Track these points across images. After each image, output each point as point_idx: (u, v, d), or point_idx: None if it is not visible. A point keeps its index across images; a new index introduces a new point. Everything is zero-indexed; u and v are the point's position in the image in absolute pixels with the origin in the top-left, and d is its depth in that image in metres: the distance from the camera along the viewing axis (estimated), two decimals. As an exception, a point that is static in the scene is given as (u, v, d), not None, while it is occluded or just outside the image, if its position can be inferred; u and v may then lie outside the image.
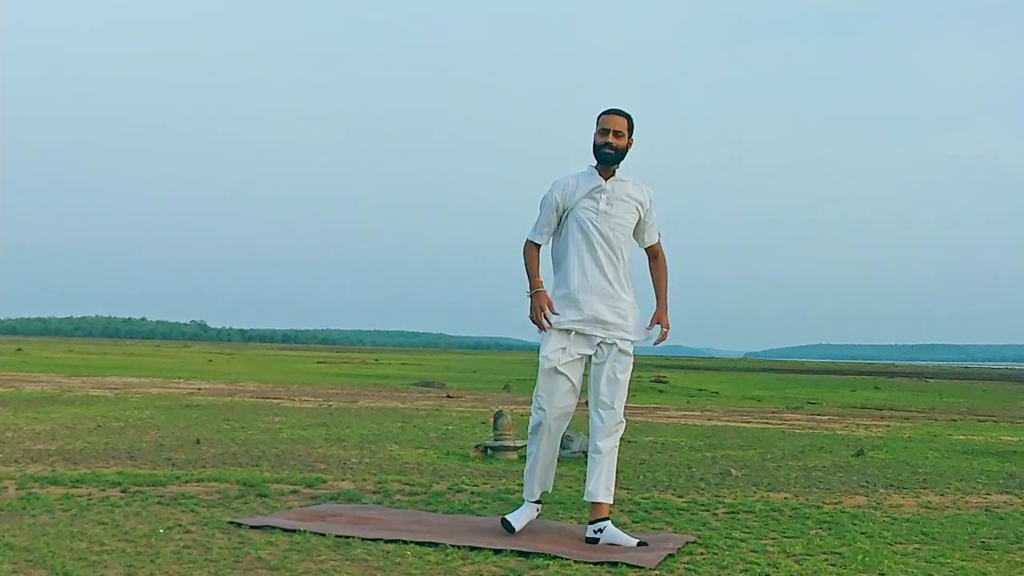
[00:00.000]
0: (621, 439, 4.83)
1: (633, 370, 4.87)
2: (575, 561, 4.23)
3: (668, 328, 4.92)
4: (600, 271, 4.80)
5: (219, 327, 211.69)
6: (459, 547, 4.40)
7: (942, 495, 6.72)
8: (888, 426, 14.24)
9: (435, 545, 4.43)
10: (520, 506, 4.93)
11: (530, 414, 4.88)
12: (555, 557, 4.28)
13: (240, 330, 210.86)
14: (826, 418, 15.96)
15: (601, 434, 4.71)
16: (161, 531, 4.58)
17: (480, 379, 28.39)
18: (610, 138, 4.79)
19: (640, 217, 4.89)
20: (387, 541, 4.49)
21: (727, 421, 14.17)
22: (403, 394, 18.96)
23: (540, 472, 4.86)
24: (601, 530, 4.66)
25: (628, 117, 4.84)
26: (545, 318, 4.75)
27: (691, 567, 4.20)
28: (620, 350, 4.76)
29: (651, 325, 4.90)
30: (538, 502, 4.91)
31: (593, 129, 4.86)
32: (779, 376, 47.12)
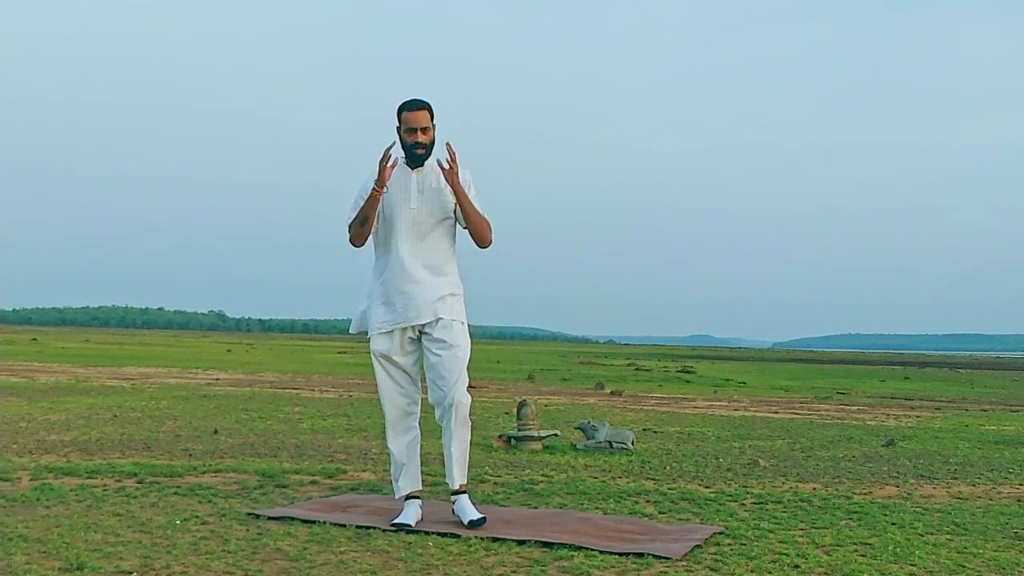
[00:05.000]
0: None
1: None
2: (600, 552, 4.14)
3: (452, 169, 4.58)
4: (419, 261, 4.67)
5: (238, 317, 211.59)
6: (482, 538, 4.34)
7: (974, 485, 6.60)
8: (919, 416, 14.05)
9: (457, 536, 4.36)
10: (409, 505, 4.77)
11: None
12: (580, 548, 4.19)
13: (259, 320, 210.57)
14: (856, 408, 15.77)
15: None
16: (178, 522, 4.52)
17: (503, 369, 28.24)
18: (418, 136, 4.64)
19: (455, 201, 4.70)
20: (408, 532, 4.43)
21: (755, 411, 14.01)
22: (424, 384, 18.87)
23: None
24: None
25: (428, 107, 4.68)
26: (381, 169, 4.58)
27: (719, 558, 4.11)
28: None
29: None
30: None
31: (396, 124, 4.68)
32: (807, 366, 46.80)
